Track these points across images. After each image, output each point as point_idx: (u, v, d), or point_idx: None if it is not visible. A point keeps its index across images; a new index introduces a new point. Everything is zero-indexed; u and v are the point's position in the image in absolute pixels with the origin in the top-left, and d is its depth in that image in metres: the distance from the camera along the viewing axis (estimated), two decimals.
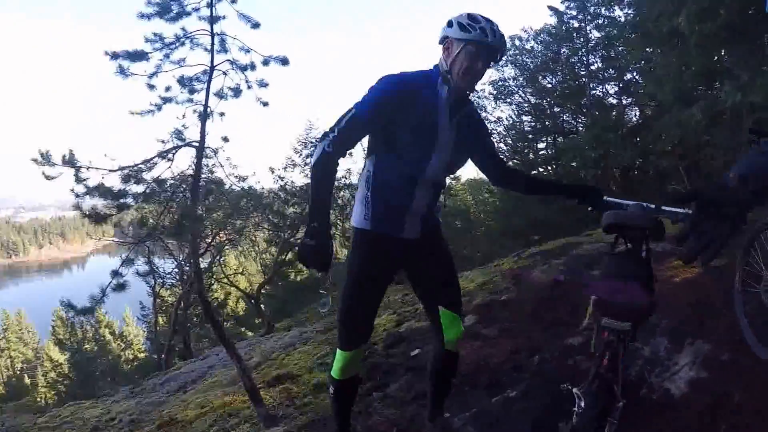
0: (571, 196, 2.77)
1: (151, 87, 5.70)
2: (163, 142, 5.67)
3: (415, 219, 2.59)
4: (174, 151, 5.49)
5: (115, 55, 5.51)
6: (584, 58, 20.08)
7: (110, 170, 5.29)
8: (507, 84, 22.19)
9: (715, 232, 1.99)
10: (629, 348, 2.17)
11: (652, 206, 2.22)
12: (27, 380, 38.25)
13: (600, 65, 20.24)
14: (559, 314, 5.14)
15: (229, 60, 5.78)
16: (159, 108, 5.73)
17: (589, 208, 2.69)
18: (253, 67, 5.85)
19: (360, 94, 2.43)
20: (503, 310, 5.67)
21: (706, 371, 3.33)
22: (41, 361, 37.66)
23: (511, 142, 22.36)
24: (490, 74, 21.19)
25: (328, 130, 2.40)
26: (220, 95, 5.86)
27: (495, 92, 21.91)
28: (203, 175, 6.25)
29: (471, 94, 2.57)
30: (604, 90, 20.75)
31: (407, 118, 2.41)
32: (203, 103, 5.64)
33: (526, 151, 22.20)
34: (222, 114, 5.96)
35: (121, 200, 5.25)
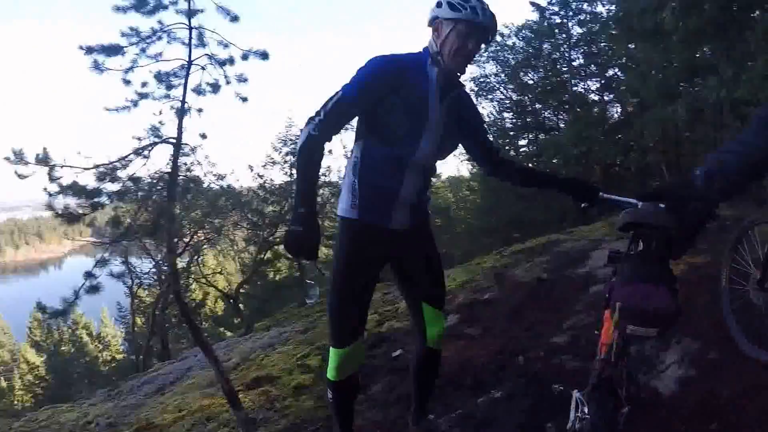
0: (566, 191, 2.67)
1: (127, 82, 5.54)
2: (139, 139, 5.52)
3: (404, 208, 2.49)
4: (150, 148, 5.35)
5: (90, 50, 5.34)
6: (566, 54, 20.24)
7: (84, 168, 5.14)
8: (488, 80, 22.29)
9: (682, 227, 1.92)
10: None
11: (661, 206, 2.14)
12: (3, 383, 37.69)
13: (582, 61, 20.39)
14: (543, 313, 5.11)
15: (207, 54, 5.65)
16: (135, 104, 5.57)
17: (583, 205, 2.61)
18: (231, 61, 5.71)
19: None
20: (486, 309, 5.63)
21: (694, 369, 3.28)
22: (18, 364, 37.12)
23: (492, 138, 22.25)
24: (471, 71, 21.25)
25: (314, 114, 2.30)
26: (198, 91, 5.72)
27: (476, 89, 21.96)
28: (181, 174, 6.14)
29: (461, 76, 2.47)
30: (586, 86, 20.89)
31: (396, 99, 2.31)
32: (180, 99, 5.51)
33: (507, 148, 22.16)
34: (200, 110, 5.82)
35: (95, 199, 5.10)
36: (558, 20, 19.93)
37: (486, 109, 23.15)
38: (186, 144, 5.67)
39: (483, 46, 2.42)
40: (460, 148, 2.70)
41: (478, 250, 13.44)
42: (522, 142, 22.64)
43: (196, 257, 18.00)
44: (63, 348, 34.81)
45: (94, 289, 4.96)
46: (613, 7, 15.71)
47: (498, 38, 20.92)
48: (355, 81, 2.30)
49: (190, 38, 5.49)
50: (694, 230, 1.75)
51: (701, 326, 3.73)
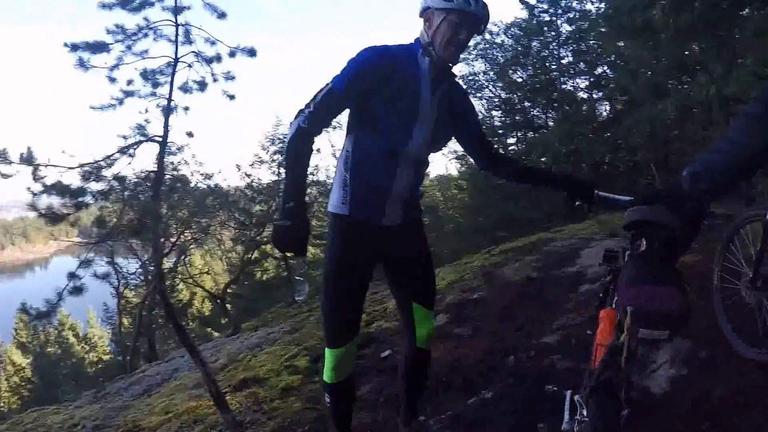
0: (562, 188, 2.63)
1: (112, 80, 5.48)
2: (124, 138, 5.44)
3: (397, 204, 2.45)
4: (135, 147, 5.27)
5: (74, 47, 5.27)
6: (555, 52, 20.22)
7: (69, 168, 5.06)
8: (477, 78, 22.25)
9: (686, 226, 1.88)
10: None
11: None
12: None
13: (571, 59, 20.36)
14: (534, 312, 5.09)
15: (194, 52, 5.58)
16: (121, 102, 5.50)
17: (577, 203, 2.57)
18: (219, 59, 5.66)
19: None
20: (476, 309, 5.61)
21: (686, 369, 3.27)
22: (3, 365, 36.74)
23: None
24: (460, 68, 21.19)
25: (303, 106, 2.26)
26: (185, 89, 5.65)
27: (465, 87, 21.77)
28: (167, 173, 6.07)
29: (454, 67, 2.42)
30: (575, 84, 20.87)
31: (387, 89, 2.27)
32: (167, 96, 5.44)
33: (496, 146, 22.08)
34: (186, 108, 5.75)
35: (79, 199, 5.02)
36: (547, 18, 19.89)
37: (474, 107, 23.11)
38: (172, 142, 5.61)
39: (475, 35, 2.38)
40: (451, 145, 2.66)
41: (467, 249, 13.41)
42: (510, 141, 22.60)
43: (183, 257, 17.88)
44: (49, 349, 34.50)
45: (77, 291, 4.87)
46: (602, 5, 15.76)
47: (487, 36, 20.94)
48: (346, 72, 2.26)
49: (177, 35, 5.43)
50: (694, 229, 1.71)
51: (693, 325, 3.69)
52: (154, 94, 5.50)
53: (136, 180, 5.48)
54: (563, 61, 20.35)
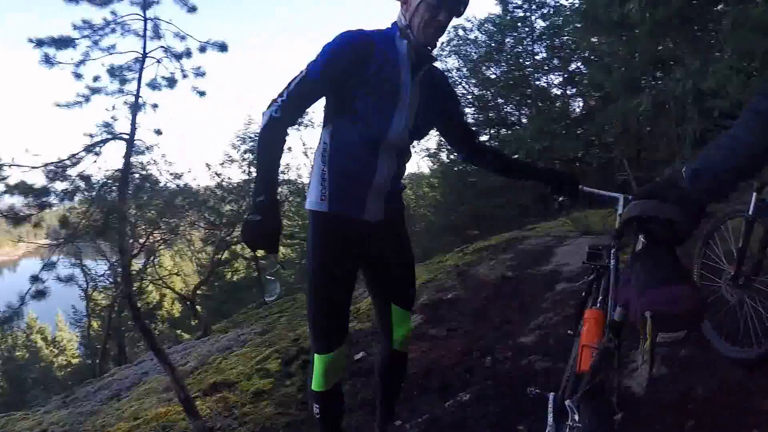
0: (546, 182, 2.56)
1: (78, 76, 5.33)
2: (91, 136, 5.29)
3: (379, 196, 2.32)
4: (101, 145, 5.12)
5: (40, 42, 5.11)
6: (529, 48, 20.28)
7: (32, 167, 4.91)
8: (450, 75, 22.18)
9: (689, 222, 1.82)
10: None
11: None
12: None
13: (545, 55, 20.45)
14: (509, 312, 5.07)
15: (162, 47, 5.44)
16: (87, 99, 5.35)
17: (560, 198, 2.51)
18: (188, 54, 5.52)
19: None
20: (451, 309, 5.56)
21: (666, 368, 3.23)
22: None
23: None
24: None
25: (276, 95, 2.12)
26: (154, 85, 5.52)
27: None
28: (136, 171, 5.94)
29: (433, 50, 2.31)
30: (548, 80, 20.96)
31: (365, 74, 2.16)
32: (135, 93, 5.30)
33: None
34: (155, 105, 5.62)
35: (43, 199, 4.86)
36: (521, 14, 19.93)
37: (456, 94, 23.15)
38: (140, 140, 5.47)
39: (455, 18, 2.26)
40: (423, 143, 2.56)
41: (439, 248, 13.40)
42: (484, 138, 22.59)
43: (152, 258, 17.60)
44: (17, 353, 33.78)
45: (40, 294, 4.71)
46: (576, 1, 15.85)
47: (460, 32, 21.00)
48: (320, 57, 2.15)
49: (145, 30, 5.29)
50: (695, 225, 1.64)
51: None
52: (121, 90, 5.36)
53: (102, 180, 5.33)
54: (537, 57, 20.43)
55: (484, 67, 21.46)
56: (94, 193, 5.34)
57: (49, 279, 4.79)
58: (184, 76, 5.60)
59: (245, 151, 17.84)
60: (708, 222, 3.46)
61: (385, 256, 2.50)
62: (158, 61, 5.45)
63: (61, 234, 5.67)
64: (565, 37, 18.58)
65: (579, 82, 19.04)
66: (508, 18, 20.02)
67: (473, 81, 21.96)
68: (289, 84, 2.13)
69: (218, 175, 17.47)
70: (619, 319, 1.83)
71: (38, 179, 4.89)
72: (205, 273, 19.36)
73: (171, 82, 5.57)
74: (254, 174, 2.36)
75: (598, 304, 2.19)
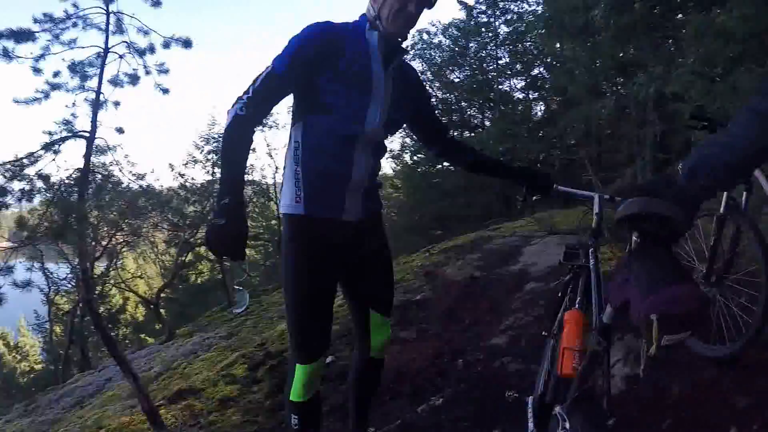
0: (520, 180, 2.53)
1: (38, 71, 5.19)
2: (50, 133, 5.13)
3: (357, 194, 2.20)
4: (60, 143, 4.97)
5: None
6: (492, 53, 20.50)
7: None
8: None
9: (687, 219, 1.80)
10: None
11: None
12: None
13: (508, 60, 20.68)
14: (479, 313, 5.02)
15: (125, 42, 5.32)
16: (46, 95, 5.22)
17: (534, 198, 2.48)
18: (152, 50, 5.40)
19: None
20: (420, 311, 5.47)
21: (640, 367, 3.23)
22: None
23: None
24: None
25: (241, 92, 2.00)
26: (115, 82, 5.38)
27: None
28: (98, 171, 5.77)
29: (404, 42, 2.23)
30: (511, 85, 21.17)
31: (335, 65, 2.05)
32: (96, 89, 5.16)
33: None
34: (117, 103, 5.47)
35: (0, 199, 4.70)
36: (485, 19, 20.14)
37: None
38: (101, 138, 5.33)
39: (426, 9, 2.18)
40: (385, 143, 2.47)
41: (403, 249, 13.35)
42: None
43: (114, 261, 17.21)
44: None
45: None
46: (539, 8, 16.03)
47: (424, 36, 21.08)
48: (287, 51, 2.03)
49: (107, 24, 5.19)
50: (690, 222, 1.62)
51: None
52: (82, 87, 5.24)
53: (62, 179, 5.17)
54: (500, 62, 20.66)
55: (448, 71, 21.57)
56: (52, 193, 5.17)
57: (5, 285, 4.59)
58: (147, 73, 5.50)
59: (209, 152, 17.63)
60: None
61: (365, 259, 2.40)
62: (121, 57, 5.34)
63: (20, 236, 5.50)
64: (528, 43, 18.84)
65: (541, 87, 19.30)
66: (472, 23, 20.22)
67: (437, 84, 22.00)
68: (255, 80, 2.01)
69: (182, 175, 17.27)
70: (608, 321, 1.78)
71: None
72: (169, 275, 18.94)
73: (134, 78, 5.46)
74: (218, 175, 2.24)
75: (578, 305, 2.14)
